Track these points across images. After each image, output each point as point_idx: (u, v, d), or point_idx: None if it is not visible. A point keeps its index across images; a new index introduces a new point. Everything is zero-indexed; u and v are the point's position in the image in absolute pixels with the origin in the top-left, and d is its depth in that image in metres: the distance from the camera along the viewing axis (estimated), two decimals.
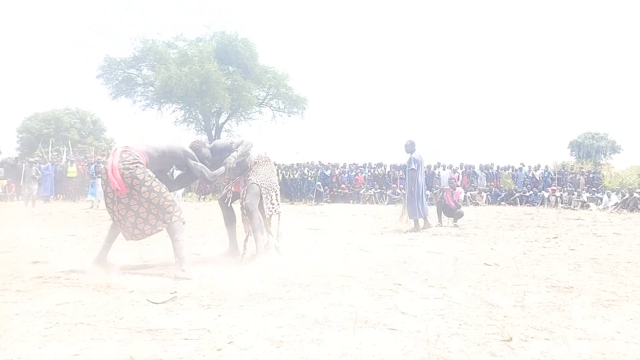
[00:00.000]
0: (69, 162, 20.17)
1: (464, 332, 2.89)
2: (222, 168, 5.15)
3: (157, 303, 3.37)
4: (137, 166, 4.48)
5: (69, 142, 28.95)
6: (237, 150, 5.24)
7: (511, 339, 2.73)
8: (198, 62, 25.02)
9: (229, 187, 5.64)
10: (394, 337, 2.76)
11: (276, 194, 5.51)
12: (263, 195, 5.35)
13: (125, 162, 4.46)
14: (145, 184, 4.46)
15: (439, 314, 3.29)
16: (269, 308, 3.28)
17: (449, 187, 10.98)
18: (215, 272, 4.55)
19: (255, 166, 5.45)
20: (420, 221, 9.25)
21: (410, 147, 9.32)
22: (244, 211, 5.28)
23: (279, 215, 5.57)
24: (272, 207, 5.44)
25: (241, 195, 5.35)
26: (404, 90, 63.81)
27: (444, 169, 21.03)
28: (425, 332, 2.84)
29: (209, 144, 5.48)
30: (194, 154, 5.02)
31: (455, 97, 61.57)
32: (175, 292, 3.67)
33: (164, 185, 4.66)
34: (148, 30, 32.15)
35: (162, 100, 27.57)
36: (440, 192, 10.89)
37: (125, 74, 28.21)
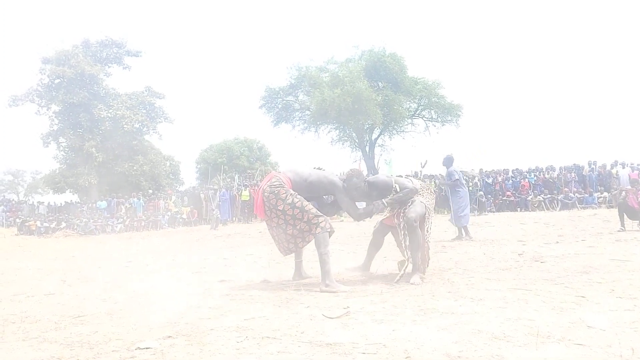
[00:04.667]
0: (243, 187, 22.12)
1: None
2: (370, 209, 5.22)
3: (333, 318, 3.52)
4: (280, 189, 4.91)
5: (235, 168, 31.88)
6: (391, 197, 5.17)
7: None
8: (349, 82, 25.78)
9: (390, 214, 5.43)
10: (582, 353, 2.54)
11: (431, 223, 5.30)
12: (426, 218, 5.19)
13: (272, 187, 4.93)
14: (287, 202, 4.85)
15: (630, 327, 2.96)
16: (442, 323, 3.23)
17: (631, 186, 9.90)
18: (383, 288, 4.62)
19: (421, 190, 5.32)
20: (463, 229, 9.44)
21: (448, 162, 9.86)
22: (403, 225, 5.04)
23: (428, 244, 5.29)
24: (428, 234, 5.23)
25: (402, 211, 5.11)
26: (564, 87, 58.75)
27: (622, 167, 18.74)
28: (617, 346, 2.58)
29: (371, 173, 5.49)
30: (342, 187, 5.15)
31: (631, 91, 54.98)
32: (348, 307, 3.79)
33: (305, 200, 4.93)
34: (302, 58, 34.03)
35: (318, 123, 28.96)
36: (621, 193, 9.82)
37: (284, 101, 30.31)
